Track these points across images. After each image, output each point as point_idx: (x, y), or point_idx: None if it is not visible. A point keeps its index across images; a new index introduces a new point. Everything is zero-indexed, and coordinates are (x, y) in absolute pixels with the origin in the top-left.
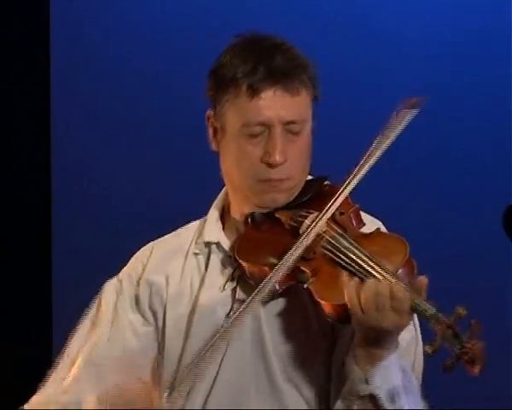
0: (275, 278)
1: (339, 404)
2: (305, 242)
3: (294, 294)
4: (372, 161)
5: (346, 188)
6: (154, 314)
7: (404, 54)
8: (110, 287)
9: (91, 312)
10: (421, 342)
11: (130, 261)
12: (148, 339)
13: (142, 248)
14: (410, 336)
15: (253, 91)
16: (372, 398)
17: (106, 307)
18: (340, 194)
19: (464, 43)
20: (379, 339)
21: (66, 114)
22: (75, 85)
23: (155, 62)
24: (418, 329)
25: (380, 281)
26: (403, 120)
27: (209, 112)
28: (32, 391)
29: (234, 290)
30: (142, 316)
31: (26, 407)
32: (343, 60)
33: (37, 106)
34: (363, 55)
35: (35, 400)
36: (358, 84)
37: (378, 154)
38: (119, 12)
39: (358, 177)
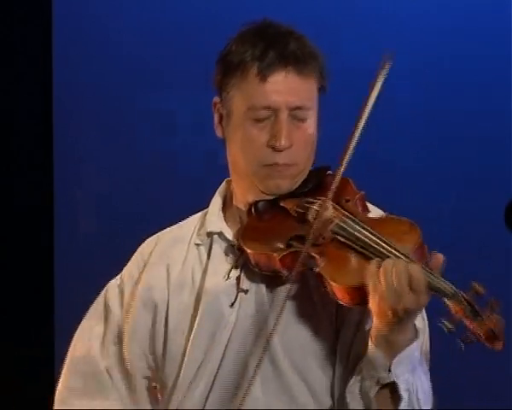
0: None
1: (352, 386)
2: (316, 225)
3: (301, 282)
4: (363, 120)
5: (346, 154)
6: (156, 309)
7: (404, 54)
8: (114, 288)
9: (95, 309)
10: (428, 332)
11: (134, 257)
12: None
13: (147, 241)
14: (418, 324)
15: (263, 75)
16: (390, 385)
17: (113, 306)
18: (342, 161)
19: (464, 43)
20: (397, 323)
21: (68, 113)
22: (77, 85)
23: (156, 63)
24: (426, 320)
25: (396, 260)
26: (379, 78)
27: (215, 98)
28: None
29: (238, 279)
30: (147, 313)
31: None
32: (343, 59)
33: (39, 105)
34: (363, 55)
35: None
36: (358, 83)
37: (367, 112)
38: (121, 12)
39: (355, 140)
